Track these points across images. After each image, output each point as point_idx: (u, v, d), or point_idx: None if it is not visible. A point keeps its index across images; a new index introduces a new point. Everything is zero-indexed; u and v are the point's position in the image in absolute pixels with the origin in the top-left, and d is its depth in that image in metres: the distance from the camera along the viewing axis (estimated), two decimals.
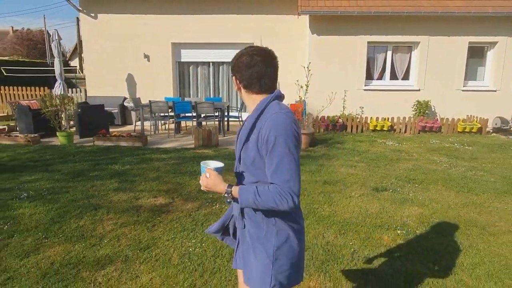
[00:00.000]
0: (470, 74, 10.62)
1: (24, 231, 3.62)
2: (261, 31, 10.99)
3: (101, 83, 11.60)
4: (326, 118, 9.69)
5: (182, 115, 9.38)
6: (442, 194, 4.90)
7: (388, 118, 9.79)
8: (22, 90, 13.71)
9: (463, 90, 10.36)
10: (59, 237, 3.51)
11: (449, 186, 5.23)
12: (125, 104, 11.17)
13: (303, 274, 1.78)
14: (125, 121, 11.29)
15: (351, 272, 2.98)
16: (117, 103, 11.02)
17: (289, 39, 10.96)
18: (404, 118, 9.68)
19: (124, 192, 4.79)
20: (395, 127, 9.75)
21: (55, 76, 10.81)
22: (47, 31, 9.91)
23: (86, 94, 11.86)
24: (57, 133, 8.04)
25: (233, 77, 1.70)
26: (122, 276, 2.87)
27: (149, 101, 8.94)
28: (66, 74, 18.26)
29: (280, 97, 1.70)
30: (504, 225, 3.95)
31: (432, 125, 9.60)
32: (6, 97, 13.99)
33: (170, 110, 9.07)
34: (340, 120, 9.71)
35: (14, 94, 13.91)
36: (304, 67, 7.76)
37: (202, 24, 11.07)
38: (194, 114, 9.04)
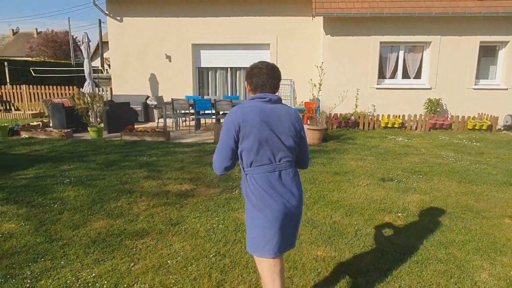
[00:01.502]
0: (482, 72, 10.84)
1: (71, 209, 4.21)
2: (277, 32, 11.46)
3: (126, 83, 12.29)
4: (338, 116, 10.09)
5: (201, 112, 9.94)
6: (444, 184, 5.29)
7: (399, 116, 10.12)
8: (51, 89, 14.53)
9: (474, 89, 10.60)
10: (102, 214, 4.08)
11: (452, 178, 5.61)
12: (148, 102, 11.82)
13: (271, 250, 2.07)
14: (148, 118, 11.94)
15: (354, 244, 3.44)
16: (141, 101, 11.68)
17: (304, 39, 11.39)
18: (415, 115, 10.00)
19: (153, 180, 5.36)
20: (406, 124, 10.08)
21: (79, 76, 11.55)
22: (83, 35, 10.53)
23: (111, 93, 12.57)
24: (88, 128, 8.72)
25: (246, 82, 2.23)
26: (158, 244, 3.41)
27: (172, 99, 9.53)
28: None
29: (263, 98, 2.11)
30: (499, 210, 4.33)
31: (442, 122, 9.89)
32: (35, 96, 14.87)
33: (190, 107, 9.64)
34: (352, 117, 10.10)
35: (43, 93, 14.75)
36: (317, 67, 8.19)
37: (221, 26, 11.61)
38: (213, 111, 9.58)
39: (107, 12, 11.87)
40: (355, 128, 10.11)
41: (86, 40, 10.55)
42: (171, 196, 4.69)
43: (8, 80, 17.77)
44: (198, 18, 11.65)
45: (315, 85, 8.02)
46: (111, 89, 12.54)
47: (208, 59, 12.15)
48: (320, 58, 10.91)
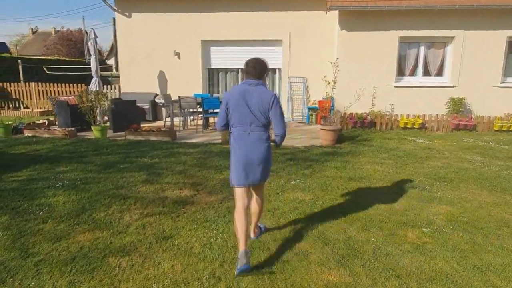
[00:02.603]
0: (509, 70, 10.10)
1: (57, 217, 3.83)
2: (290, 28, 10.96)
3: (134, 80, 11.98)
4: (354, 115, 9.53)
5: (210, 110, 9.53)
6: (473, 193, 4.72)
7: (419, 116, 9.50)
8: (61, 87, 14.37)
9: (500, 87, 9.88)
10: (89, 224, 3.68)
11: (481, 185, 5.03)
12: (156, 100, 11.49)
13: (234, 181, 3.07)
14: (156, 116, 11.60)
15: (372, 267, 2.94)
16: (149, 99, 11.34)
17: (318, 35, 10.86)
18: (437, 115, 9.36)
19: (151, 184, 4.95)
20: (426, 125, 9.45)
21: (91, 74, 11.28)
22: (86, 31, 10.30)
23: (120, 91, 12.28)
24: (92, 127, 8.40)
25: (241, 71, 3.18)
26: (145, 262, 2.98)
27: (179, 97, 9.14)
28: (102, 73, 19.02)
29: (247, 82, 3.06)
30: None
31: (466, 123, 9.23)
32: (46, 93, 14.74)
33: (198, 106, 9.24)
34: (368, 117, 9.53)
35: (54, 91, 14.59)
36: (332, 63, 7.67)
37: (231, 22, 11.17)
38: None
39: (115, 8, 11.57)
40: (372, 128, 9.53)
41: (93, 37, 10.26)
42: (168, 203, 4.27)
43: (22, 78, 17.79)
44: (207, 14, 11.24)
45: (329, 83, 7.51)
46: (119, 86, 12.25)
47: (218, 56, 11.72)
48: (335, 55, 10.35)
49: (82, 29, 33.94)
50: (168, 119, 9.97)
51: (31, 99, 13.38)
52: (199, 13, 11.26)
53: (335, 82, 7.54)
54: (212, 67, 11.84)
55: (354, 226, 3.66)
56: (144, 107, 11.28)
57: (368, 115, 9.55)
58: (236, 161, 3.03)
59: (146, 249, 3.18)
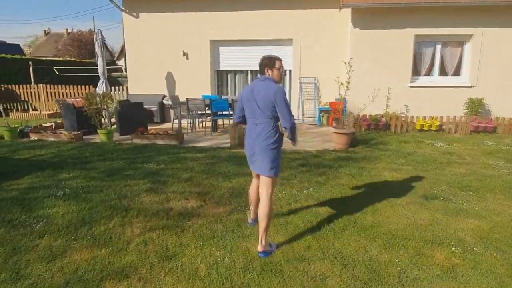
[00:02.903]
0: None
1: (55, 232, 3.58)
2: (300, 27, 10.63)
3: (142, 81, 11.78)
4: (367, 117, 9.16)
5: (219, 113, 9.26)
6: (502, 204, 4.35)
7: (436, 117, 9.09)
8: (70, 89, 14.26)
9: None
10: (87, 240, 3.42)
11: (510, 195, 4.65)
12: (164, 102, 11.27)
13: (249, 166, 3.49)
14: (164, 118, 11.38)
15: None
16: (157, 101, 11.12)
17: (330, 34, 10.51)
18: (455, 117, 8.94)
19: (155, 193, 4.69)
20: (444, 127, 9.04)
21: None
22: (97, 32, 10.07)
23: (127, 92, 12.09)
24: (98, 131, 8.20)
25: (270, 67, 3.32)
26: (145, 287, 2.71)
27: (186, 99, 8.89)
28: (113, 73, 18.92)
29: (259, 78, 3.32)
30: None
31: (486, 125, 8.80)
32: (55, 95, 14.64)
33: (207, 108, 8.98)
34: (383, 119, 9.15)
35: (62, 93, 14.49)
36: (345, 63, 7.32)
37: (240, 21, 10.89)
38: (232, 112, 8.87)
39: (123, 8, 11.37)
40: (386, 130, 9.15)
41: (100, 37, 10.07)
42: (172, 215, 4.00)
43: (32, 80, 17.79)
44: (216, 13, 10.97)
45: (342, 84, 7.18)
46: (127, 88, 12.06)
47: (227, 57, 11.44)
48: (347, 54, 10.00)
49: (93, 30, 34.06)
50: (176, 121, 9.73)
51: (39, 101, 13.27)
52: (207, 13, 11.00)
53: (348, 83, 7.20)
54: (221, 68, 11.57)
55: (375, 244, 3.34)
56: (151, 109, 11.07)
57: (382, 116, 9.18)
58: (245, 147, 3.44)
59: (147, 271, 2.91)
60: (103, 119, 8.90)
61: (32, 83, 16.83)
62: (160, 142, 7.96)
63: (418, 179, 5.31)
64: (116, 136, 8.78)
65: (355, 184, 5.09)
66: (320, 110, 10.56)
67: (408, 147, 7.43)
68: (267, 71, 3.29)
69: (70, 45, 32.49)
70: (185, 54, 11.37)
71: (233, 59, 11.42)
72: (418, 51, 9.91)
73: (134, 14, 11.36)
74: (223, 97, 10.18)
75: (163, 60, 11.53)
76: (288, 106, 3.16)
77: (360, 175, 5.51)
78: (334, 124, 9.21)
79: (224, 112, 9.15)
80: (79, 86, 14.04)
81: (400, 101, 9.80)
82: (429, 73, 10.09)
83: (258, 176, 3.44)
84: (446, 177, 5.43)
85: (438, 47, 9.82)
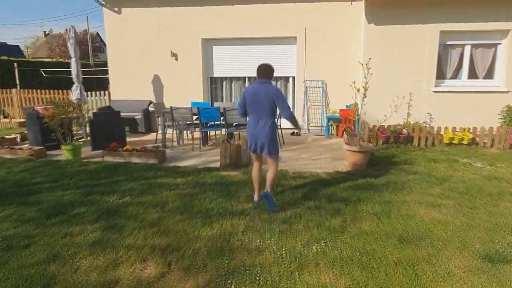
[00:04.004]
0: None
1: None
2: (306, 23, 9.23)
3: (126, 86, 10.43)
4: (386, 128, 7.73)
5: (210, 123, 7.88)
6: None
7: (468, 129, 7.65)
8: (49, 93, 12.91)
9: None
10: None
11: None
12: (150, 109, 9.90)
13: (250, 148, 4.44)
14: (150, 127, 10.01)
15: None
16: (142, 108, 9.76)
17: (340, 30, 9.10)
18: (491, 128, 7.50)
19: (102, 252, 3.29)
20: (477, 139, 7.59)
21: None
22: (69, 30, 8.71)
23: (110, 98, 10.75)
24: (62, 147, 6.84)
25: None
26: None
27: (170, 107, 7.52)
28: (107, 76, 17.56)
29: (259, 82, 4.26)
30: None
31: None
32: (30, 101, 13.26)
33: (196, 117, 7.61)
34: (404, 131, 7.72)
35: (40, 98, 13.07)
36: (362, 65, 5.93)
37: (236, 16, 9.51)
38: (224, 123, 7.49)
39: (102, 2, 10.03)
40: (408, 144, 7.72)
41: (73, 35, 8.70)
42: None
43: (18, 83, 16.51)
44: (209, 7, 9.60)
45: (358, 90, 5.78)
46: (109, 93, 10.71)
47: (222, 58, 10.06)
48: (360, 54, 8.60)
49: (87, 30, 32.90)
50: (162, 132, 8.34)
51: (12, 106, 11.94)
52: (198, 7, 9.63)
53: (366, 89, 5.81)
54: (215, 72, 10.18)
55: None
56: (136, 117, 9.70)
57: (404, 127, 7.74)
58: (248, 136, 4.41)
59: None
60: (73, 130, 7.54)
61: (18, 86, 15.58)
62: (136, 160, 6.58)
63: (467, 223, 3.88)
64: (88, 152, 7.43)
65: (383, 231, 3.68)
66: (329, 119, 9.15)
67: (440, 168, 6.00)
68: (267, 76, 4.27)
69: (64, 46, 31.28)
70: (174, 55, 10.00)
71: (228, 60, 10.04)
72: (443, 50, 8.47)
73: (116, 9, 10.01)
74: (215, 104, 8.80)
75: (149, 62, 10.17)
76: (285, 101, 4.23)
77: (387, 215, 4.09)
78: (345, 136, 7.81)
79: (216, 123, 7.76)
80: (59, 91, 12.69)
81: (422, 108, 8.37)
82: (455, 75, 8.64)
83: (258, 158, 4.52)
84: (506, 219, 4.00)
85: (468, 45, 8.37)
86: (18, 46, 52.02)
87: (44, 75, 20.34)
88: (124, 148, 6.75)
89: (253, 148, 4.40)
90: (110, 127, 7.71)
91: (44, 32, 58.02)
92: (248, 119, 4.41)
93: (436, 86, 8.43)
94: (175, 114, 7.54)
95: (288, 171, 5.90)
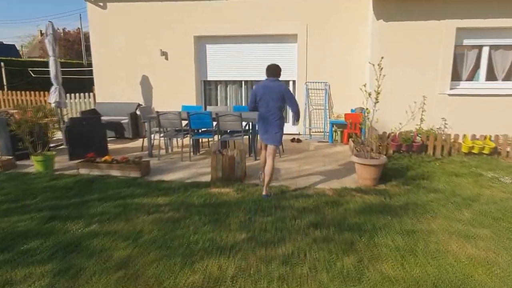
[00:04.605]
0: None
1: None
2: (307, 19, 8.45)
3: (112, 87, 9.62)
4: (397, 136, 6.95)
5: (201, 130, 7.08)
6: None
7: (490, 137, 6.87)
8: (30, 95, 12.11)
9: None
10: None
11: None
12: (138, 112, 9.08)
13: (260, 138, 4.88)
14: (138, 133, 9.19)
15: None
16: (129, 111, 8.94)
17: (344, 27, 8.31)
18: None
19: None
20: (500, 149, 6.81)
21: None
22: (47, 25, 7.92)
23: (95, 100, 9.93)
24: (32, 157, 6.03)
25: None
26: None
27: (157, 112, 6.72)
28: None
29: (268, 79, 4.69)
30: None
31: None
32: (7, 103, 12.46)
33: (185, 122, 6.82)
34: (418, 138, 6.93)
35: (18, 100, 12.28)
36: (374, 65, 5.16)
37: (232, 12, 8.71)
38: (216, 129, 6.69)
39: None
40: (422, 153, 6.94)
41: (51, 32, 7.89)
42: None
43: (5, 83, 15.70)
44: (201, 2, 8.80)
45: (370, 94, 4.99)
46: (94, 95, 9.89)
47: (216, 56, 9.25)
48: (368, 53, 7.82)
49: (81, 28, 32.03)
50: (153, 139, 7.54)
51: None
52: (190, 2, 8.83)
53: (378, 93, 5.03)
54: (209, 74, 9.37)
55: None
56: (122, 121, 8.89)
57: (417, 135, 6.96)
58: (259, 129, 4.85)
59: None
60: (49, 137, 6.73)
61: (5, 87, 14.77)
62: (116, 173, 5.78)
63: None
64: (64, 161, 6.63)
65: (412, 277, 2.88)
66: (333, 124, 8.36)
67: (464, 184, 5.21)
68: (276, 74, 4.73)
69: (56, 45, 30.37)
70: (164, 54, 9.19)
71: (223, 61, 9.23)
72: (459, 49, 7.68)
73: (101, 4, 9.20)
74: (208, 108, 8.00)
75: (137, 61, 9.37)
76: (293, 97, 4.78)
77: (413, 251, 3.29)
78: (351, 144, 7.04)
79: (209, 129, 6.96)
80: (42, 93, 11.88)
81: (436, 113, 7.58)
82: (472, 77, 7.86)
83: (266, 146, 4.92)
84: None
85: (486, 44, 7.59)
86: (14, 45, 51.03)
87: (33, 75, 19.47)
88: (103, 159, 5.94)
89: (263, 139, 4.84)
90: (90, 133, 6.91)
91: (40, 31, 57.13)
92: (258, 113, 4.81)
93: (451, 88, 7.64)
94: (162, 119, 6.74)
95: (289, 188, 5.11)
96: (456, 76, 7.76)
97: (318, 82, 8.68)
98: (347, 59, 8.41)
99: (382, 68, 5.14)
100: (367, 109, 5.15)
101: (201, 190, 5.01)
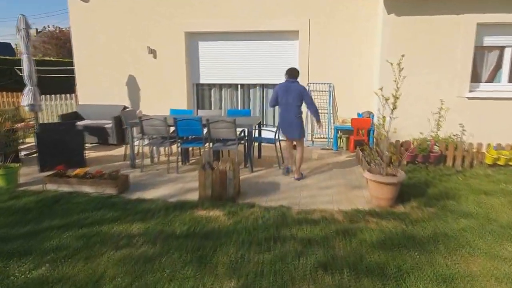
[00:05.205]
0: None
1: None
2: (310, 13, 7.63)
3: (96, 88, 8.79)
4: (412, 145, 6.14)
5: (191, 137, 6.27)
6: None
7: None
8: (7, 97, 11.27)
9: None
10: None
11: None
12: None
13: (284, 136, 5.56)
14: (124, 138, 8.33)
15: None
16: (114, 115, 8.10)
17: (351, 23, 7.51)
18: None
19: None
20: None
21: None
22: (19, 18, 7.12)
23: (77, 102, 9.11)
24: None
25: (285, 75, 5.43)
26: None
27: (139, 118, 5.90)
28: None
29: (288, 80, 5.33)
30: None
31: None
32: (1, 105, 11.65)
33: (171, 129, 6.01)
34: (436, 148, 6.13)
35: (10, 102, 11.52)
36: (392, 64, 4.36)
37: (227, 6, 7.88)
38: (207, 136, 5.87)
39: None
40: (440, 164, 6.14)
41: (23, 27, 7.05)
42: None
43: None
44: None
45: (387, 100, 4.18)
46: (75, 97, 9.07)
47: (210, 55, 8.43)
48: (377, 51, 7.02)
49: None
50: (137, 143, 6.71)
51: None
52: None
53: (397, 98, 4.23)
54: (202, 76, 8.55)
55: None
56: (105, 125, 8.07)
57: (435, 144, 6.16)
58: (281, 125, 5.46)
59: None
60: (17, 147, 5.90)
61: None
62: (88, 189, 4.96)
63: None
64: (35, 173, 5.82)
65: None
66: (337, 129, 7.55)
67: (498, 206, 4.40)
68: (295, 76, 5.33)
69: (48, 43, 29.54)
70: (152, 52, 8.37)
71: (217, 60, 8.40)
72: (479, 47, 6.89)
73: None
74: (199, 112, 7.17)
75: (123, 60, 8.54)
76: (311, 97, 5.38)
77: None
78: (359, 154, 6.25)
79: (200, 137, 6.13)
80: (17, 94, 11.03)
81: (452, 118, 6.78)
82: (492, 78, 7.07)
83: (291, 142, 5.63)
84: None
85: (510, 41, 6.81)
86: (9, 43, 50.01)
87: (20, 74, 18.61)
88: (74, 173, 5.12)
89: (286, 134, 5.46)
90: (64, 140, 6.09)
91: (36, 29, 56.14)
92: (279, 112, 5.45)
93: (470, 91, 6.85)
94: (145, 125, 5.92)
95: (291, 210, 4.30)
96: (475, 78, 6.97)
97: (322, 83, 7.88)
98: (354, 58, 7.61)
99: (402, 69, 4.33)
100: (383, 117, 4.33)
101: (185, 213, 4.19)
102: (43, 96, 9.37)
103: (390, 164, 4.61)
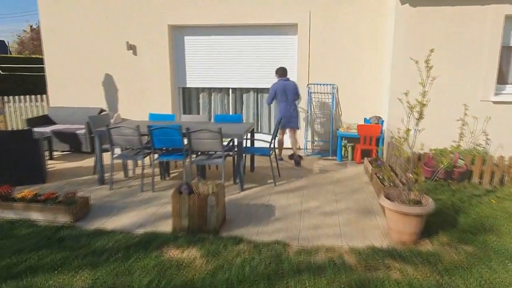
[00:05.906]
0: None
1: None
2: (310, 4, 6.68)
3: (69, 88, 7.81)
4: (432, 159, 5.19)
5: (169, 149, 5.29)
6: None
7: None
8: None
9: None
10: None
11: None
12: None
13: (283, 126, 6.18)
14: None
15: None
16: (86, 120, 7.13)
17: (357, 15, 6.56)
18: None
19: None
20: None
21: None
22: None
23: (48, 104, 8.11)
24: None
25: (275, 74, 6.23)
26: None
27: (106, 125, 4.91)
28: None
29: (283, 79, 6.11)
30: None
31: None
32: None
33: (147, 138, 5.04)
34: (461, 162, 5.18)
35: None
36: (416, 62, 3.45)
37: None
38: (188, 147, 4.90)
39: None
40: (465, 181, 5.20)
41: None
42: None
43: None
44: None
45: (412, 108, 3.23)
46: (47, 98, 8.08)
47: (196, 52, 7.46)
48: (387, 48, 6.08)
49: None
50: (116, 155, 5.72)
51: None
52: None
53: (424, 106, 3.29)
54: (188, 77, 7.57)
55: None
56: (77, 131, 7.08)
57: (459, 157, 5.21)
58: (282, 117, 5.97)
59: None
60: None
61: None
62: (37, 216, 3.99)
63: None
64: None
65: None
66: (342, 137, 6.60)
67: None
68: (286, 74, 6.14)
69: (37, 40, 28.48)
70: (132, 47, 7.39)
71: (206, 58, 7.43)
72: (506, 43, 5.96)
73: None
74: (182, 117, 6.20)
75: (99, 57, 7.56)
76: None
77: None
78: (367, 165, 5.32)
79: (177, 148, 5.16)
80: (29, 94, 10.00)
81: (476, 125, 5.86)
82: None
83: (282, 132, 6.36)
84: None
85: None
86: (3, 41, 48.79)
87: (1, 72, 17.57)
88: (19, 196, 4.14)
89: (283, 125, 6.10)
90: (18, 152, 5.11)
91: (30, 26, 54.89)
92: (279, 107, 6.11)
93: (496, 94, 5.92)
94: (115, 135, 4.94)
95: (288, 248, 3.34)
96: (501, 79, 6.04)
97: (324, 85, 6.92)
98: (360, 56, 6.66)
99: (431, 67, 3.36)
100: (408, 129, 3.37)
101: (151, 254, 3.22)
102: (11, 97, 8.37)
103: (406, 180, 3.66)
